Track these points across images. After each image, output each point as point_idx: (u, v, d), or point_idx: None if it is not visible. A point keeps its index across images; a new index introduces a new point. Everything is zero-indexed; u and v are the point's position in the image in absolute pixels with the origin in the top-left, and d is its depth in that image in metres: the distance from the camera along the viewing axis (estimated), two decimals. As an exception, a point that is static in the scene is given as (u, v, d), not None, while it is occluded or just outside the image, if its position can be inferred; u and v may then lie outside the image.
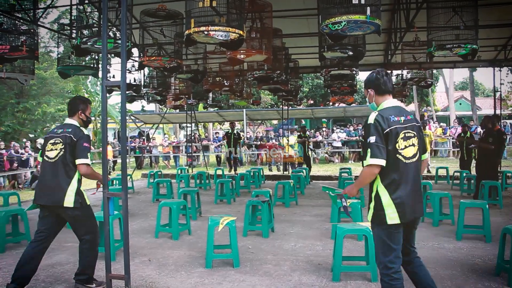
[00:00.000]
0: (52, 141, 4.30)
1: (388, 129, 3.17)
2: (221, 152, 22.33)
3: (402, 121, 3.24)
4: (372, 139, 3.15)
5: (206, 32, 5.15)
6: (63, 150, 4.21)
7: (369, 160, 3.15)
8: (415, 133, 3.29)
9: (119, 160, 22.18)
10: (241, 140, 17.19)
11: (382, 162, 3.13)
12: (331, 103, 17.52)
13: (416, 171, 3.28)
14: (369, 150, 3.16)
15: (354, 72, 8.13)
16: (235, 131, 15.47)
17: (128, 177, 12.93)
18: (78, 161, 4.20)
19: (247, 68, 9.55)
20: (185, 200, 7.57)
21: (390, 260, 3.16)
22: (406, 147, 3.22)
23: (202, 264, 5.22)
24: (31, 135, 26.45)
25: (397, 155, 3.18)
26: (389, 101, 3.39)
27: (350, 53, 6.64)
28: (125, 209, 4.09)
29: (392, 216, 3.14)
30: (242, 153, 20.44)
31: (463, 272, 4.77)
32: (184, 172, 14.04)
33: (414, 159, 3.26)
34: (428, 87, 10.57)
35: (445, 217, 7.35)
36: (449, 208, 7.33)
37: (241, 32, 5.27)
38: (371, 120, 3.23)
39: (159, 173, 14.81)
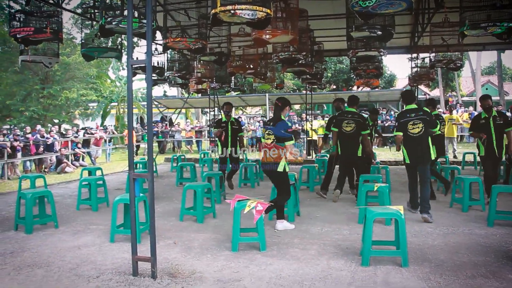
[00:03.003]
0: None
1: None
2: (211, 152, 16.37)
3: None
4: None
5: (232, 11, 5.02)
6: None
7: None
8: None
9: (142, 145, 22.35)
10: (242, 133, 9.51)
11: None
12: (355, 87, 17.11)
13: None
14: None
15: (381, 53, 7.90)
16: (232, 118, 9.15)
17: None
18: None
19: (271, 51, 9.38)
20: (209, 183, 7.52)
21: None
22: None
23: (228, 248, 5.16)
24: (55, 120, 26.80)
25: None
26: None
27: (379, 32, 6.44)
28: (151, 191, 4.05)
29: None
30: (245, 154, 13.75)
31: (497, 259, 4.61)
32: (207, 156, 14.03)
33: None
34: (457, 70, 10.23)
35: (475, 202, 7.15)
36: (479, 194, 7.14)
37: (268, 11, 5.13)
38: None
39: (182, 157, 14.83)
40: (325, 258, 4.72)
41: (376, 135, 10.44)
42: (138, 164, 11.30)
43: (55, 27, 6.86)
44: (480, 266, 4.39)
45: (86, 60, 8.15)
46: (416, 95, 15.17)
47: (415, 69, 12.24)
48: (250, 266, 4.53)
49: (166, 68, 11.11)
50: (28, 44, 6.79)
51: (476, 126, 7.78)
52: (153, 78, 12.25)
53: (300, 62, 8.68)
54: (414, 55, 12.17)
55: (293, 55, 8.26)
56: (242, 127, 9.71)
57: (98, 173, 9.90)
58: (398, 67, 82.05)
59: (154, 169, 12.83)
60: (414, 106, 6.65)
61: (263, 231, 5.11)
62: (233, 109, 9.08)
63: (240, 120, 11.53)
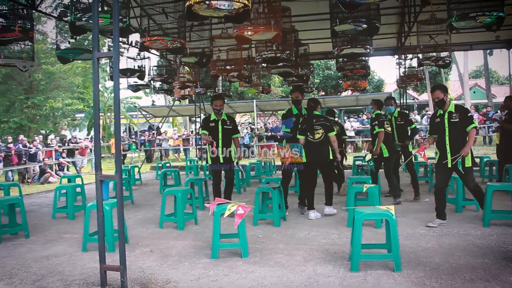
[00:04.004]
0: None
1: None
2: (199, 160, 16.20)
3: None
4: None
5: (208, 2, 4.70)
6: None
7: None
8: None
9: (128, 154, 21.91)
10: (238, 134, 7.58)
11: None
12: (343, 91, 16.89)
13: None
14: None
15: (368, 50, 7.60)
16: (223, 116, 7.34)
17: (136, 169, 12.60)
18: None
19: (255, 51, 9.08)
20: (190, 188, 7.16)
21: None
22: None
23: (208, 255, 4.80)
24: (42, 131, 26.28)
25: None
26: None
27: (364, 25, 6.15)
28: (120, 193, 3.70)
29: None
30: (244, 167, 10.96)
31: (496, 260, 4.29)
32: (194, 163, 13.66)
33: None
34: (446, 67, 9.96)
35: (469, 202, 6.85)
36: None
37: (246, 2, 4.82)
38: None
39: (167, 164, 14.45)
40: (312, 264, 4.37)
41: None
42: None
43: (25, 26, 6.48)
44: (478, 268, 4.06)
45: (62, 62, 7.77)
46: (404, 99, 15.04)
47: (402, 70, 12.03)
48: (230, 274, 4.17)
49: (148, 72, 10.80)
50: (-3, 44, 6.40)
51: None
52: (135, 83, 11.93)
53: (284, 62, 8.36)
54: (402, 56, 11.96)
55: (277, 54, 7.95)
56: (237, 130, 7.50)
57: (78, 180, 9.50)
58: (386, 72, 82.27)
59: (138, 177, 12.45)
60: (317, 112, 7.00)
61: (245, 236, 4.76)
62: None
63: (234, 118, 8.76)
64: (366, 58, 10.00)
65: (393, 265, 4.06)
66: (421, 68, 11.48)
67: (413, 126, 8.66)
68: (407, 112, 12.04)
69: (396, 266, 4.02)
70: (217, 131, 7.19)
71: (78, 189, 7.88)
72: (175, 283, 3.94)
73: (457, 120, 5.72)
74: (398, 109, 8.75)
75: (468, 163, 5.70)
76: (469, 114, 5.77)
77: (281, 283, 3.88)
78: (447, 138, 5.76)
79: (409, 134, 8.40)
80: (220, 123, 7.24)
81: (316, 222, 6.38)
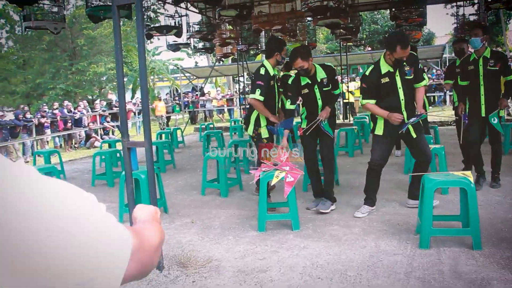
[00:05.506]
0: None
1: None
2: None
3: None
4: None
5: None
6: None
7: None
8: None
9: (172, 116, 21.72)
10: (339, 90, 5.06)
11: None
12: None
13: None
14: None
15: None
16: (319, 73, 4.73)
17: (179, 131, 12.26)
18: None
19: (300, 1, 8.31)
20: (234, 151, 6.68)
21: None
22: None
23: (254, 227, 4.33)
24: (88, 96, 26.49)
25: None
26: None
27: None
28: (150, 162, 3.22)
29: None
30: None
31: None
32: (238, 124, 13.18)
33: None
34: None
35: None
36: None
37: None
38: None
39: (211, 125, 14.05)
40: (373, 238, 3.81)
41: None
42: (162, 135, 10.54)
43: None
44: None
45: (93, 21, 7.34)
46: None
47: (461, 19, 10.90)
48: (280, 250, 3.67)
49: (187, 30, 10.28)
50: (22, 4, 6.01)
51: None
52: (174, 43, 11.45)
53: (332, 11, 7.59)
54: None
55: (324, 3, 7.19)
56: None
57: (119, 145, 9.23)
58: (436, 24, 77.98)
59: (181, 140, 12.13)
60: None
61: (296, 206, 4.22)
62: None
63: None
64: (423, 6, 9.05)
65: (471, 241, 3.43)
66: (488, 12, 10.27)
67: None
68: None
69: (476, 244, 3.37)
70: (314, 94, 6.25)
71: (118, 155, 7.56)
72: (218, 262, 3.49)
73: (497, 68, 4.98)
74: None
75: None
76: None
77: (338, 262, 3.35)
78: (482, 87, 5.01)
79: None
80: (316, 86, 6.14)
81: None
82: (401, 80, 4.35)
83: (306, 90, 4.75)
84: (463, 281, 2.89)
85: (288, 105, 4.84)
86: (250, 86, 5.19)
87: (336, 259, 3.40)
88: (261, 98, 4.85)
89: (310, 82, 4.71)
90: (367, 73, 4.50)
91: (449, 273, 3.02)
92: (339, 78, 20.14)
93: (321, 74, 4.66)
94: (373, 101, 4.42)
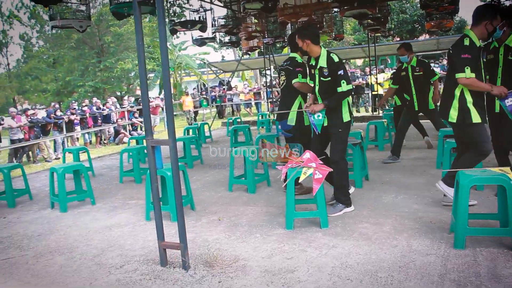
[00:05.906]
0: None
1: None
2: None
3: None
4: None
5: None
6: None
7: None
8: None
9: (200, 111, 21.77)
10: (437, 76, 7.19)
11: None
12: (421, 37, 15.38)
13: None
14: None
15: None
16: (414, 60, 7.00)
17: (207, 126, 12.26)
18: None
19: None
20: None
21: None
22: None
23: (282, 224, 4.24)
24: (117, 93, 26.84)
25: None
26: None
27: None
28: (174, 161, 3.17)
29: None
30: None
31: None
32: (265, 118, 13.09)
33: None
34: None
35: None
36: None
37: None
38: None
39: (238, 120, 14.00)
40: (404, 237, 3.67)
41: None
42: (189, 130, 10.55)
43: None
44: None
45: (117, 18, 7.32)
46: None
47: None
48: (308, 249, 3.57)
49: (212, 24, 10.23)
50: (46, 4, 6.06)
51: None
52: (199, 37, 11.42)
53: (360, 1, 7.39)
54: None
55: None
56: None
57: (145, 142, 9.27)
58: (470, 11, 75.75)
59: (209, 134, 12.12)
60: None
61: (324, 203, 4.11)
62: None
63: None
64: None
65: (509, 241, 3.25)
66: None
67: None
68: None
69: (516, 243, 3.22)
70: (408, 77, 7.06)
71: (146, 151, 7.57)
72: (244, 261, 3.42)
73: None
74: None
75: None
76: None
77: (369, 262, 3.23)
78: (498, 79, 4.41)
79: None
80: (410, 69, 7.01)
81: (404, 182, 5.61)
82: (503, 59, 4.06)
83: (312, 71, 4.67)
84: (502, 285, 2.73)
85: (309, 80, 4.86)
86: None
87: (366, 259, 3.28)
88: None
89: (314, 64, 4.61)
90: (467, 43, 3.94)
91: (487, 276, 2.86)
92: (367, 69, 19.79)
93: (322, 62, 4.49)
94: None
